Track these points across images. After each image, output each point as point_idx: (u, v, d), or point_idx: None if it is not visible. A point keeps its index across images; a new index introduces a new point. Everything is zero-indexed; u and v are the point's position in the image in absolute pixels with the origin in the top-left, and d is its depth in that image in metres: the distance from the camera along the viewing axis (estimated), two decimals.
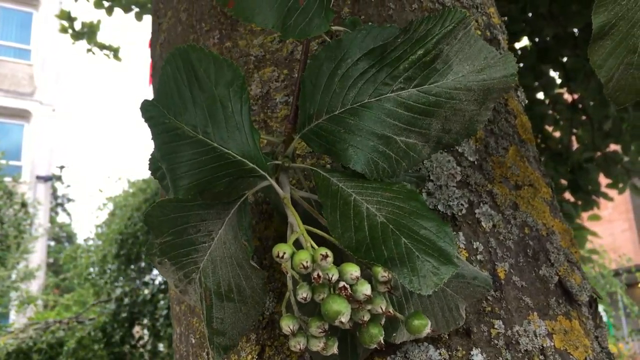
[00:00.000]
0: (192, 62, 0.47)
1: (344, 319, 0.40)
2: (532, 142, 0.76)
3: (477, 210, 0.63)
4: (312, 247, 0.43)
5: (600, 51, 0.53)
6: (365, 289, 0.41)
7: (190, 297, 0.52)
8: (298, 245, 0.44)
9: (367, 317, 0.42)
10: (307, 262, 0.41)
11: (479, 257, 0.60)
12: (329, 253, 0.41)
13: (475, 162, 0.67)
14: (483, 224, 0.62)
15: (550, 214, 0.69)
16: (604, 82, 0.54)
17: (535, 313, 0.59)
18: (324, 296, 0.41)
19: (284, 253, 0.42)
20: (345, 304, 0.40)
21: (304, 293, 0.42)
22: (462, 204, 0.63)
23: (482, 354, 0.54)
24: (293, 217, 0.47)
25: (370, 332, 0.43)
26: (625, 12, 0.51)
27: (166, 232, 0.48)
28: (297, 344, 0.43)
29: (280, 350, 0.56)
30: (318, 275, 0.41)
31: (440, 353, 0.54)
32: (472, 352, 0.54)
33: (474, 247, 0.61)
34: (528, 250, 0.63)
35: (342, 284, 0.41)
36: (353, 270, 0.41)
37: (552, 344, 0.57)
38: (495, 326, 0.57)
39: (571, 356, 0.58)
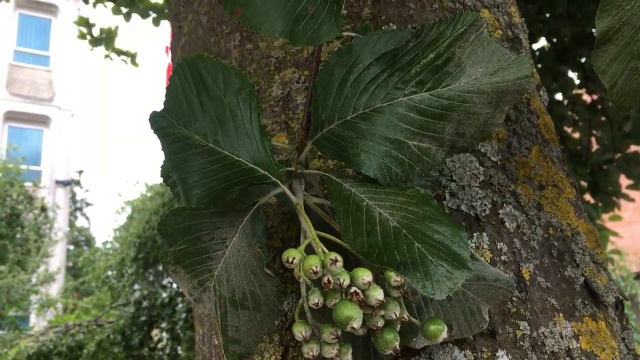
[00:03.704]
0: (200, 71, 0.47)
1: (356, 324, 0.40)
2: (555, 142, 0.75)
3: (500, 211, 0.62)
4: (323, 252, 0.43)
5: (604, 56, 0.53)
6: (377, 294, 0.41)
7: (204, 306, 0.52)
8: (311, 251, 0.44)
9: (380, 323, 0.42)
10: (316, 267, 0.41)
11: (503, 257, 0.60)
12: (339, 257, 0.41)
13: (498, 162, 0.66)
14: (507, 224, 0.62)
15: (575, 214, 0.68)
16: (607, 88, 0.53)
17: (561, 314, 0.58)
18: (336, 302, 0.41)
19: (294, 258, 0.42)
20: (356, 309, 0.40)
21: (315, 299, 0.41)
22: (485, 205, 0.62)
23: (507, 356, 0.54)
24: (305, 223, 0.47)
25: (385, 338, 0.42)
26: (630, 17, 0.51)
27: (180, 240, 0.48)
28: (310, 351, 0.42)
29: None
30: (328, 280, 0.40)
31: (465, 354, 0.53)
32: (497, 354, 0.54)
33: (498, 247, 0.60)
34: (553, 251, 0.63)
35: (353, 289, 0.41)
36: (365, 275, 0.41)
37: (579, 345, 0.57)
38: (521, 327, 0.56)
39: (598, 358, 0.57)
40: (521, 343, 0.55)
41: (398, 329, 0.43)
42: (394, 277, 0.41)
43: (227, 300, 0.48)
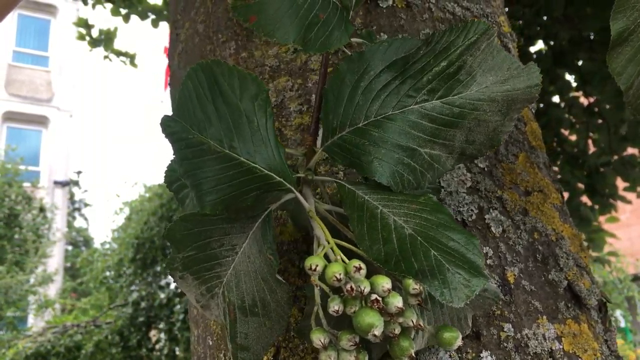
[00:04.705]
0: (216, 76, 0.47)
1: (377, 332, 0.40)
2: (542, 149, 0.77)
3: (487, 216, 0.64)
4: (342, 260, 0.43)
5: (620, 58, 0.52)
6: (397, 302, 0.41)
7: (211, 312, 0.52)
8: (326, 258, 0.44)
9: (397, 330, 0.42)
10: (340, 274, 0.41)
11: (488, 261, 0.62)
12: (362, 265, 0.41)
13: (486, 169, 0.68)
14: (493, 229, 0.64)
15: (560, 219, 0.70)
16: (624, 90, 0.52)
17: (544, 317, 0.60)
18: (356, 309, 0.41)
19: (317, 265, 0.42)
20: (377, 316, 0.40)
21: (335, 306, 0.41)
22: (472, 210, 0.64)
23: (491, 357, 0.56)
24: (320, 230, 0.46)
25: (401, 345, 0.42)
26: None
27: (189, 246, 0.48)
28: (328, 358, 0.42)
29: (295, 352, 0.58)
30: (351, 287, 0.40)
31: (450, 355, 0.55)
32: (481, 355, 0.56)
33: (484, 252, 0.62)
34: (537, 255, 0.64)
35: (374, 296, 0.41)
36: (384, 283, 0.41)
37: (561, 347, 0.59)
38: (505, 329, 0.58)
39: (580, 359, 0.59)
40: (505, 344, 0.57)
41: (412, 336, 0.43)
42: (412, 285, 0.41)
43: (236, 307, 0.48)
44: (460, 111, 0.47)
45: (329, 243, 0.45)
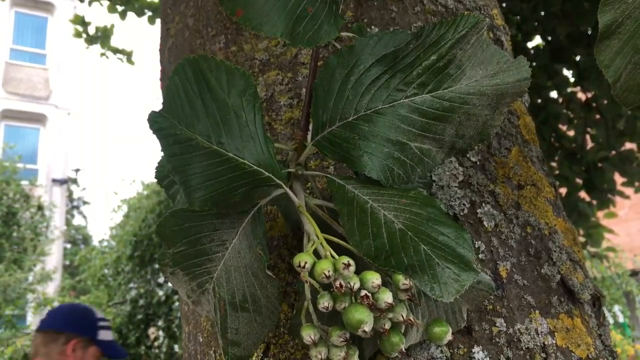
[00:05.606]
0: (203, 71, 0.47)
1: (367, 328, 0.40)
2: (535, 142, 0.76)
3: (479, 210, 0.64)
4: (331, 256, 0.43)
5: (607, 51, 0.52)
6: (387, 297, 0.40)
7: (202, 308, 0.51)
8: (316, 253, 0.44)
9: (388, 326, 0.42)
10: (329, 271, 0.40)
11: (480, 256, 0.61)
12: (351, 262, 0.41)
13: (478, 163, 0.67)
14: (485, 223, 0.63)
15: (553, 213, 0.69)
16: (611, 83, 0.52)
17: (537, 311, 0.59)
18: (346, 305, 0.41)
19: (305, 263, 0.41)
20: (367, 312, 0.40)
21: (325, 302, 0.41)
22: (464, 204, 0.63)
23: (483, 352, 0.55)
24: (310, 226, 0.46)
25: (391, 341, 0.42)
26: (632, 11, 0.50)
27: (179, 242, 0.48)
28: (318, 354, 0.42)
29: (285, 348, 0.57)
30: (340, 284, 0.40)
31: (441, 350, 0.54)
32: (473, 350, 0.55)
33: (476, 246, 0.61)
34: (530, 249, 0.64)
35: (363, 292, 0.40)
36: (374, 279, 0.41)
37: (554, 341, 0.58)
38: (497, 324, 0.57)
39: (573, 354, 0.58)
40: (497, 339, 0.56)
41: (403, 330, 0.43)
42: (402, 281, 0.41)
43: (226, 303, 0.48)
44: (450, 105, 0.47)
45: (318, 238, 0.45)
